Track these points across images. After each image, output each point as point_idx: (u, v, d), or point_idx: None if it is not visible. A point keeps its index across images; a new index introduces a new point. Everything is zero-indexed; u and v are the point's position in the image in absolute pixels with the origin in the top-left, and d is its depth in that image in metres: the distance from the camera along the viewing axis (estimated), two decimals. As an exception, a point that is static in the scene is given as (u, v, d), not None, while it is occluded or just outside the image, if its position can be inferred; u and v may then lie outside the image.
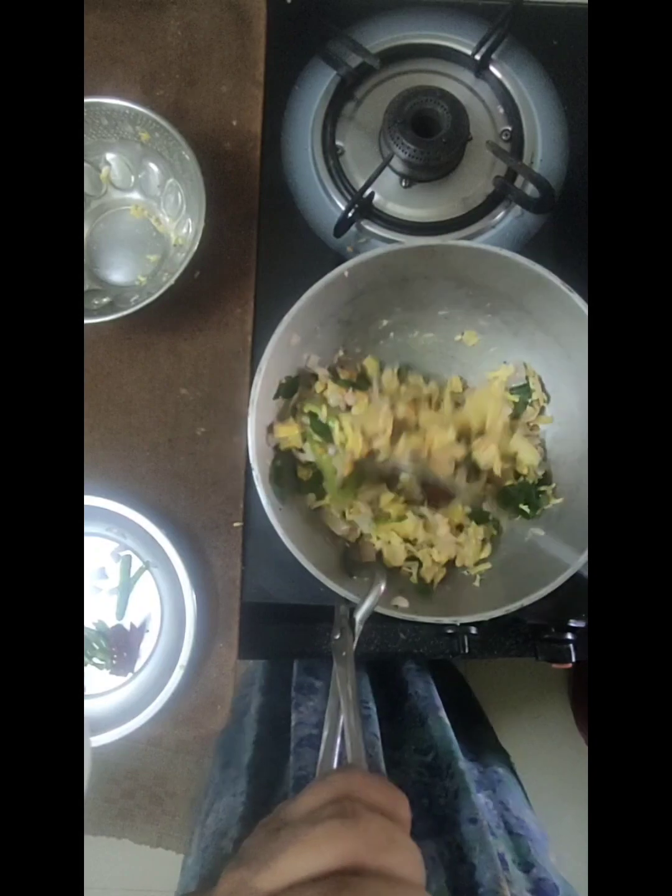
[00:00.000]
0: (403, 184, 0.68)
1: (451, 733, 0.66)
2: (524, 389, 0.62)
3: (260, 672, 0.86)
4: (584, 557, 0.52)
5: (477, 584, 0.59)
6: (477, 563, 0.60)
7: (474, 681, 1.08)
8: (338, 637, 0.48)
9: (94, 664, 0.62)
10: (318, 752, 0.55)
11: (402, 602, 0.56)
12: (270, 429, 0.59)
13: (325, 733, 0.41)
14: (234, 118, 0.70)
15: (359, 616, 0.50)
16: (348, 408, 0.60)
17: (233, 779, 0.69)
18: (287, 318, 0.55)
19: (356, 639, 0.49)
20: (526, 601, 0.52)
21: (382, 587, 0.51)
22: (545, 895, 0.55)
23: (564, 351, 0.59)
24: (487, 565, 0.60)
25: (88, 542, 0.64)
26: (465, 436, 0.60)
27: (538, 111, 0.69)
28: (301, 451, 0.60)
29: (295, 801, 0.32)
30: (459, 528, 0.61)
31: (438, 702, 0.72)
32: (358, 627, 0.50)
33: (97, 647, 0.62)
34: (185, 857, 0.71)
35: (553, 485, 0.61)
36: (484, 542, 0.60)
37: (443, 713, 0.70)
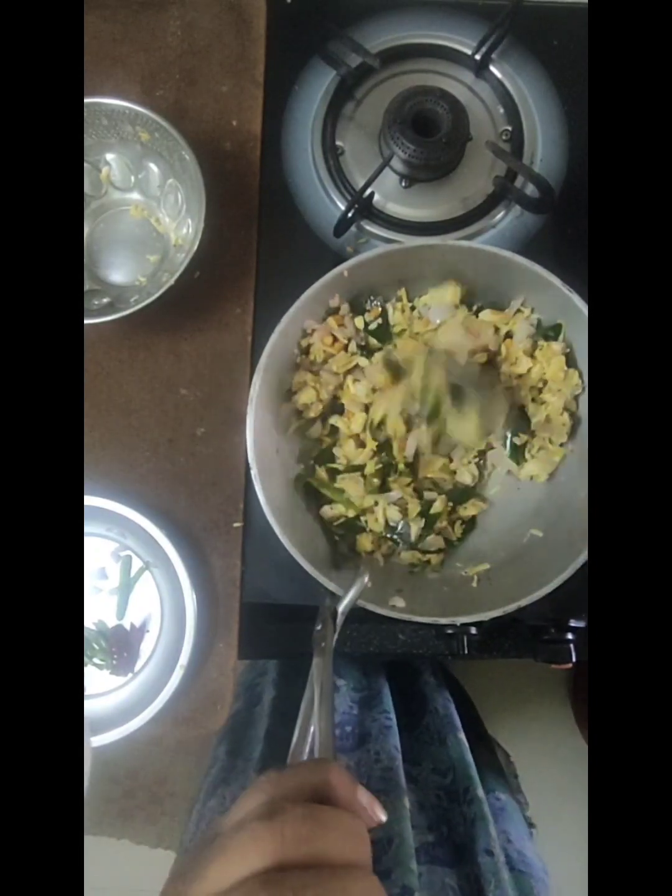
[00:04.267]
0: (403, 184, 0.68)
1: (470, 756, 0.65)
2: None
3: (273, 663, 0.85)
4: (582, 559, 0.52)
5: (475, 584, 0.59)
6: (477, 565, 0.60)
7: (474, 681, 1.07)
8: (319, 628, 0.47)
9: (95, 664, 0.62)
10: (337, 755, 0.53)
11: (399, 601, 0.56)
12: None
13: (297, 725, 0.39)
14: (234, 118, 0.70)
15: (341, 607, 0.50)
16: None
17: (241, 770, 0.69)
18: (287, 317, 0.55)
19: (337, 631, 0.48)
20: (523, 602, 0.52)
21: (366, 579, 0.51)
22: None
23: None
24: (485, 566, 0.60)
25: (88, 542, 0.64)
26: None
27: (538, 111, 0.69)
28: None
29: (228, 812, 0.32)
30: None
31: (458, 722, 0.71)
32: (339, 619, 0.49)
33: (97, 648, 0.62)
34: (182, 836, 0.71)
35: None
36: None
37: (462, 735, 0.68)
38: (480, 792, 0.61)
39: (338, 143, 0.69)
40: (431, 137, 0.63)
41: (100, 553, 0.64)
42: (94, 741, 0.56)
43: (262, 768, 0.67)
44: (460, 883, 0.54)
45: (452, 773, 0.64)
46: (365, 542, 0.60)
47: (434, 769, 0.66)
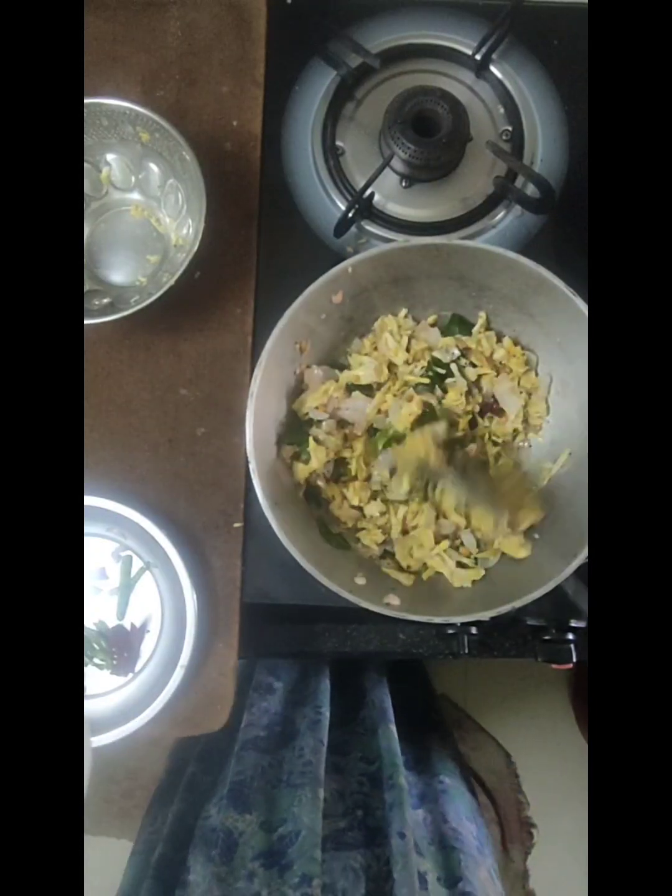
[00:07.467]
0: (403, 184, 0.68)
1: (397, 746, 0.67)
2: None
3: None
4: (578, 561, 0.51)
5: (469, 584, 0.59)
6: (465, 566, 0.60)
7: (474, 681, 1.07)
8: None
9: (95, 664, 0.62)
10: (261, 755, 0.54)
11: (394, 599, 0.55)
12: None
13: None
14: (234, 118, 0.70)
15: None
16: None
17: (177, 789, 0.70)
18: (289, 312, 0.55)
19: None
20: (518, 603, 0.52)
21: None
22: None
23: (565, 356, 0.59)
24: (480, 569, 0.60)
25: (88, 542, 0.64)
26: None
27: (538, 111, 0.69)
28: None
29: None
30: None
31: (391, 715, 0.72)
32: None
33: (98, 648, 0.62)
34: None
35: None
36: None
37: (392, 726, 0.70)
38: (402, 780, 0.62)
39: (338, 143, 0.69)
40: (431, 137, 0.63)
41: (100, 553, 0.64)
42: (94, 741, 0.56)
43: (187, 791, 0.69)
44: (368, 862, 0.56)
45: (379, 761, 0.65)
46: (363, 539, 0.60)
47: (362, 757, 0.68)
